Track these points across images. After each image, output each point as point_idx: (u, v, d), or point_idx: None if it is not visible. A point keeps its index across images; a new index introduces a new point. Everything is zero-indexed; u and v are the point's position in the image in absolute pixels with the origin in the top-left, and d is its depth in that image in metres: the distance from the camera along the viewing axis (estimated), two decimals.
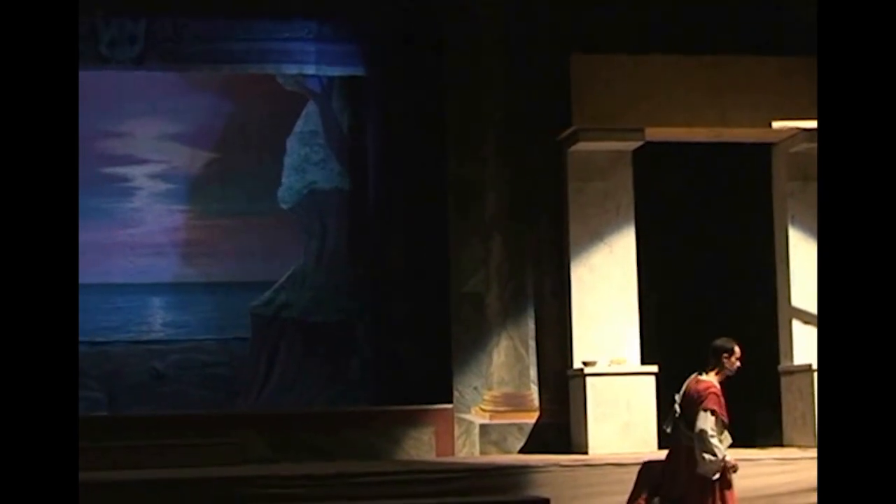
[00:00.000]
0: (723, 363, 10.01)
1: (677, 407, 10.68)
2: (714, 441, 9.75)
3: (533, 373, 14.25)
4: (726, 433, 10.05)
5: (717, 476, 9.83)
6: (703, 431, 9.75)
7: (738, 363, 10.01)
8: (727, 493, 10.23)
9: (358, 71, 15.97)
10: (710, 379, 10.07)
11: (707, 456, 9.74)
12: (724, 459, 9.78)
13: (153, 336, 16.00)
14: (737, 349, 10.02)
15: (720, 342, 10.11)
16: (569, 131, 13.81)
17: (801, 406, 13.61)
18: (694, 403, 10.01)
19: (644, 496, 10.86)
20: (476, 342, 14.29)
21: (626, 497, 11.17)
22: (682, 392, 10.47)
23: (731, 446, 10.13)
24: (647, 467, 10.96)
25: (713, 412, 9.84)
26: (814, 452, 12.70)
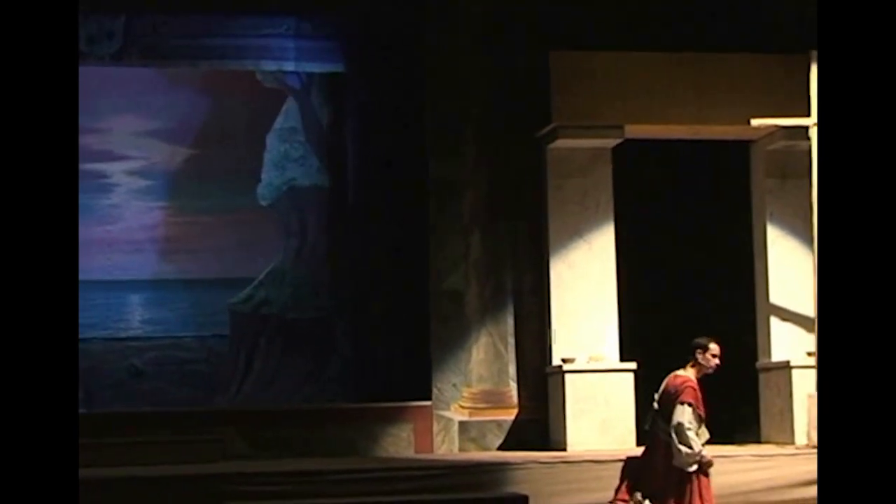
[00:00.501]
0: (697, 359, 10.10)
1: (655, 403, 10.77)
2: (691, 434, 9.81)
3: (512, 370, 14.27)
4: (703, 428, 10.11)
5: (693, 469, 9.88)
6: (680, 424, 9.82)
7: (715, 360, 10.07)
8: (704, 486, 10.31)
9: (337, 67, 15.95)
10: (688, 374, 10.16)
11: (683, 448, 9.81)
12: (700, 453, 9.85)
13: (131, 333, 15.96)
14: (712, 346, 10.08)
15: (697, 339, 10.19)
16: (548, 128, 13.82)
17: (779, 403, 13.65)
18: (671, 398, 10.08)
19: (625, 490, 10.93)
20: (455, 339, 14.29)
21: (604, 493, 11.23)
22: (660, 388, 10.55)
23: (708, 442, 10.19)
24: (630, 462, 11.03)
25: (690, 405, 9.91)
26: (791, 449, 12.76)
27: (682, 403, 9.89)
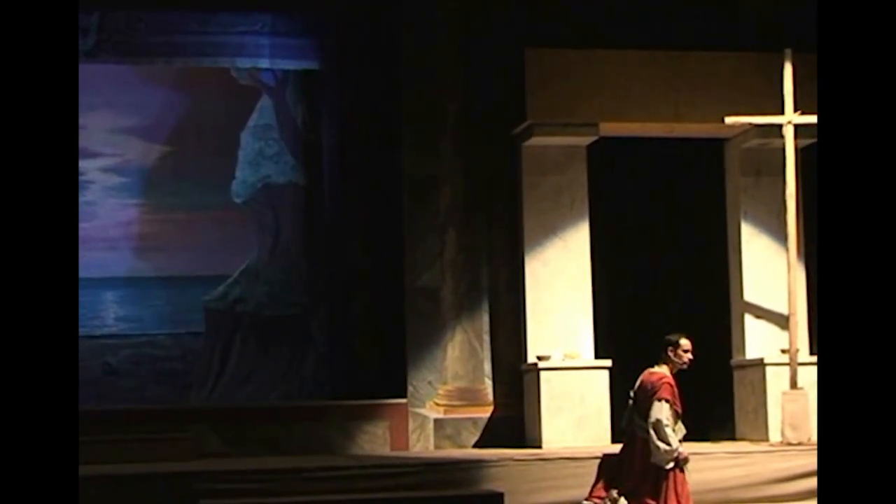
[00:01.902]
0: (669, 356, 10.16)
1: (631, 400, 10.80)
2: (668, 430, 9.84)
3: (487, 367, 14.28)
4: (680, 424, 10.16)
5: (670, 465, 9.92)
6: (658, 421, 9.84)
7: (687, 356, 10.12)
8: (680, 483, 10.35)
9: (312, 65, 15.94)
10: (663, 371, 10.21)
11: (662, 445, 9.83)
12: (677, 449, 9.88)
13: (106, 331, 15.92)
14: (682, 342, 10.13)
15: (667, 337, 10.25)
16: (523, 126, 13.84)
17: (754, 400, 13.70)
18: (648, 394, 10.12)
19: (601, 487, 10.95)
20: (431, 337, 14.29)
21: (579, 491, 11.25)
22: (636, 384, 10.58)
23: (684, 439, 10.23)
24: (606, 459, 11.06)
25: (667, 401, 9.95)
26: (766, 446, 12.81)
27: (660, 400, 9.92)
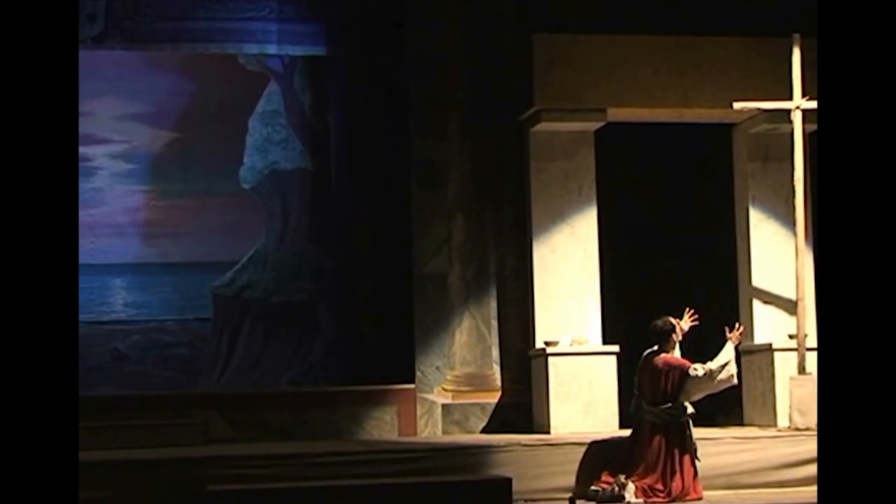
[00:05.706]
0: (672, 340, 10.46)
1: (636, 388, 10.90)
2: (711, 365, 10.35)
3: (495, 353, 14.28)
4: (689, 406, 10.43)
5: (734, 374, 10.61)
6: (709, 373, 10.34)
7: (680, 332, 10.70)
8: (687, 472, 10.41)
9: (320, 50, 15.93)
10: (667, 355, 10.46)
11: (724, 372, 10.36)
12: (726, 364, 10.45)
13: (114, 317, 15.94)
14: (674, 321, 10.58)
15: (661, 325, 10.52)
16: (531, 112, 13.82)
17: (762, 385, 13.70)
18: (661, 376, 10.29)
19: (609, 472, 11.00)
20: (438, 322, 14.30)
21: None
22: (639, 371, 10.69)
23: (694, 424, 10.37)
24: (598, 446, 11.19)
25: (689, 366, 10.42)
26: (773, 431, 12.81)
27: (688, 370, 10.36)
